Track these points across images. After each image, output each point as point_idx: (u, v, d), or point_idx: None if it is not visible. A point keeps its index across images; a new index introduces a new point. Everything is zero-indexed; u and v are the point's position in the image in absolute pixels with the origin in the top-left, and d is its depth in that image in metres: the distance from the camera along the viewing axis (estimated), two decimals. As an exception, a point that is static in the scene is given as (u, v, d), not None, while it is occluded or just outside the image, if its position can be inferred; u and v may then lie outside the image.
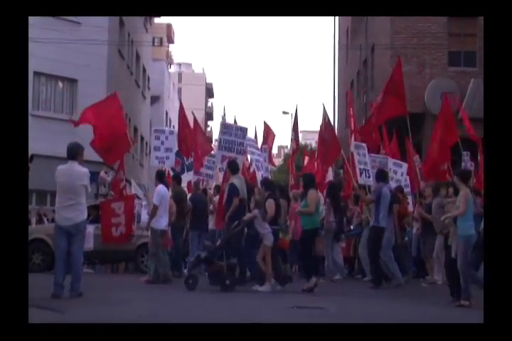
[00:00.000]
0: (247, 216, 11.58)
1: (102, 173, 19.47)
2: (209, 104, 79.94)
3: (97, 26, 23.67)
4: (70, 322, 6.68)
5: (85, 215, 9.55)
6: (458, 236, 9.41)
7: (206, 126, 72.71)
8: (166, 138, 15.76)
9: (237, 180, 12.01)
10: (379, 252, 12.34)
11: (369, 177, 14.77)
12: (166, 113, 44.80)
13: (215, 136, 63.30)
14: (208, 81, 78.07)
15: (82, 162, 9.59)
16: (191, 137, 15.90)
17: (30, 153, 7.61)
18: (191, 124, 16.37)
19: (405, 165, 15.98)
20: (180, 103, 18.67)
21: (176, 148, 15.85)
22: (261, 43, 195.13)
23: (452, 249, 9.68)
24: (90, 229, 11.13)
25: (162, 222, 12.47)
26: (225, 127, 14.65)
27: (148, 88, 38.86)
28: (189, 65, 79.86)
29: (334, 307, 8.68)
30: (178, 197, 13.66)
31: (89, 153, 12.59)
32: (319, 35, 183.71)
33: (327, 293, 11.16)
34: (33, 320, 5.75)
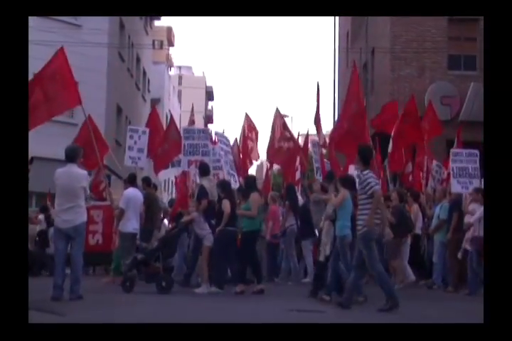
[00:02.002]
0: (185, 218, 11.68)
1: None
2: (209, 107, 79.99)
3: (98, 29, 23.70)
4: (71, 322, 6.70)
5: (85, 217, 9.54)
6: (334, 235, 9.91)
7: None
8: (139, 137, 15.65)
9: (207, 182, 12.03)
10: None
11: (320, 175, 15.16)
12: (166, 116, 44.81)
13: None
14: (208, 84, 78.11)
15: (80, 164, 9.60)
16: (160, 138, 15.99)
17: (30, 155, 7.61)
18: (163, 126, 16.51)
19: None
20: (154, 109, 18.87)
21: (145, 149, 15.76)
22: (261, 47, 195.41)
23: (321, 251, 10.28)
24: None
25: (129, 226, 12.31)
26: (186, 132, 14.72)
27: (149, 91, 38.87)
28: (189, 68, 79.94)
29: (334, 310, 8.69)
30: (147, 200, 13.33)
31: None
32: (319, 38, 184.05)
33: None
34: (33, 322, 5.74)
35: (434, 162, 15.99)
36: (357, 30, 30.48)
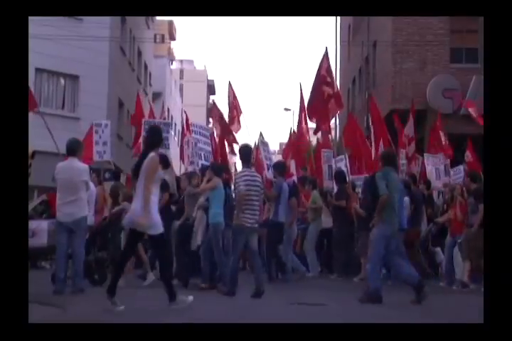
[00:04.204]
0: (115, 208, 11.44)
1: None
2: (210, 101, 79.88)
3: (99, 23, 23.65)
4: (72, 317, 6.72)
5: (86, 211, 9.56)
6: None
7: (208, 122, 72.63)
8: (103, 131, 15.58)
9: (168, 176, 11.97)
10: (278, 246, 12.29)
11: None
12: (168, 110, 44.78)
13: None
14: (209, 78, 78.01)
15: (81, 158, 9.61)
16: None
17: (31, 149, 7.63)
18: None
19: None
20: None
21: (109, 142, 15.66)
22: (262, 40, 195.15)
23: (194, 237, 10.75)
24: (44, 225, 11.02)
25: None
26: (147, 124, 14.65)
27: (150, 85, 38.85)
28: (191, 62, 79.78)
29: (335, 303, 8.70)
30: (115, 193, 13.33)
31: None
32: (321, 31, 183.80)
33: (329, 289, 11.18)
34: (34, 315, 5.75)
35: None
36: (359, 24, 30.42)
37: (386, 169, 9.22)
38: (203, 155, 15.59)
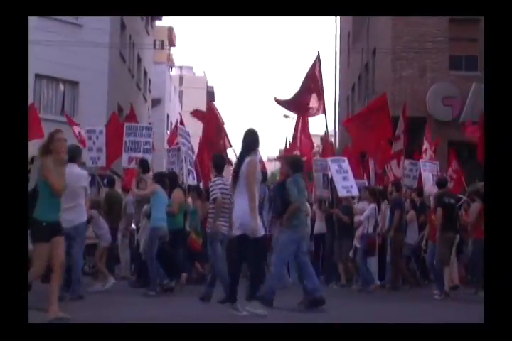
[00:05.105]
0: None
1: None
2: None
3: (99, 29, 23.70)
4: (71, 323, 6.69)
5: (85, 217, 9.56)
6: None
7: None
8: (97, 137, 15.58)
9: (149, 181, 11.98)
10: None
11: None
12: (167, 116, 44.80)
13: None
14: (209, 84, 78.06)
15: (80, 164, 9.62)
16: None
17: (31, 155, 7.61)
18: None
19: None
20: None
21: (104, 148, 15.66)
22: (262, 47, 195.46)
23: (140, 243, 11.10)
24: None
25: None
26: (129, 128, 14.67)
27: (150, 91, 38.88)
28: (190, 68, 79.84)
29: (335, 310, 8.68)
30: (110, 200, 13.37)
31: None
32: (320, 38, 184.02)
33: (328, 296, 11.15)
34: (32, 322, 5.73)
35: (407, 161, 15.88)
36: (358, 31, 30.49)
37: (296, 176, 9.40)
38: (188, 162, 15.48)
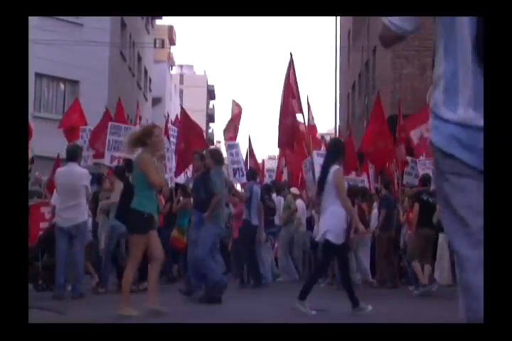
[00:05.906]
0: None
1: (37, 173, 18.94)
2: (210, 106, 80.00)
3: (99, 28, 23.71)
4: (72, 322, 6.70)
5: (86, 216, 9.57)
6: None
7: (208, 127, 72.78)
8: (87, 136, 15.59)
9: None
10: (254, 249, 12.41)
11: (242, 175, 15.26)
12: (168, 115, 44.82)
13: (217, 137, 63.44)
14: (209, 83, 78.11)
15: (80, 163, 9.63)
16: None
17: (30, 155, 7.64)
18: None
19: None
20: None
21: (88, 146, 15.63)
22: (263, 46, 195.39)
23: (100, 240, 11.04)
24: None
25: None
26: (113, 128, 14.55)
27: (150, 90, 38.89)
28: (191, 67, 79.89)
29: (335, 308, 8.69)
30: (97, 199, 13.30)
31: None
32: (321, 37, 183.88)
33: (328, 295, 11.16)
34: (33, 321, 5.74)
35: (409, 158, 15.81)
36: (358, 29, 30.49)
37: (218, 168, 9.47)
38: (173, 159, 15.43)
